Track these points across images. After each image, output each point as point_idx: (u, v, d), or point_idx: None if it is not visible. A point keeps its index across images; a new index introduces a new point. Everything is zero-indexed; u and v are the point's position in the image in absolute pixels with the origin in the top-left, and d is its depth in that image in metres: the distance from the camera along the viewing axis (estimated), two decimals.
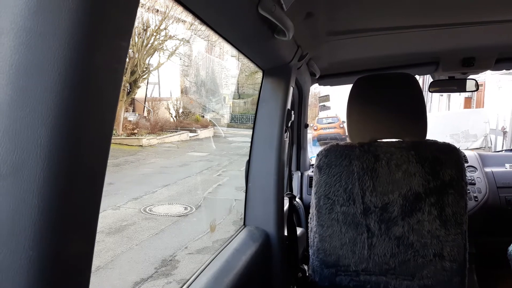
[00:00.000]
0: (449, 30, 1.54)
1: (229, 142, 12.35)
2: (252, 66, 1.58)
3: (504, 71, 2.36)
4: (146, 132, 10.41)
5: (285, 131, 1.45)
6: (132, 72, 9.54)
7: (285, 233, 1.54)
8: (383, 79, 1.53)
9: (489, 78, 10.84)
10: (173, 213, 5.71)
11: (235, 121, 14.82)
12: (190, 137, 11.48)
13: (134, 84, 9.88)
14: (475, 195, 2.29)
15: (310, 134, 16.21)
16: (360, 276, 1.49)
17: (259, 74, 1.50)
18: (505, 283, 2.40)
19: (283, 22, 1.00)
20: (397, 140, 1.50)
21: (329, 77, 2.33)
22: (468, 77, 2.24)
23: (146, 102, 11.64)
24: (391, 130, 1.50)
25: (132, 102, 11.14)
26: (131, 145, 9.50)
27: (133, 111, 11.38)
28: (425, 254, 1.42)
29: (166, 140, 10.70)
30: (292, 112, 1.54)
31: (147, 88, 11.46)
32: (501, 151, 3.17)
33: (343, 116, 16.32)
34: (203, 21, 0.89)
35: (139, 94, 11.02)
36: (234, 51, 1.25)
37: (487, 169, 2.40)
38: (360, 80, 1.54)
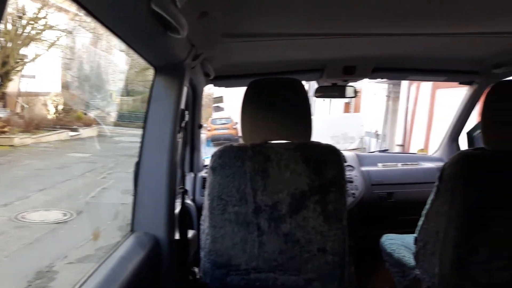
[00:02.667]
0: (333, 40, 1.66)
1: (115, 142, 11.65)
2: (143, 62, 1.50)
3: (378, 79, 2.63)
4: (19, 131, 9.29)
5: (179, 132, 1.42)
6: (3, 63, 8.48)
7: (177, 237, 1.49)
8: (274, 83, 1.59)
9: (365, 86, 12.06)
10: (50, 220, 5.20)
11: (123, 119, 14.03)
12: (70, 136, 10.55)
13: (5, 77, 8.79)
14: (353, 192, 2.51)
15: (204, 134, 16.20)
16: (251, 274, 1.52)
17: (150, 71, 1.44)
18: (379, 271, 2.68)
19: (177, 19, 0.97)
20: (286, 141, 1.56)
21: (223, 79, 2.34)
22: (348, 84, 2.45)
23: (20, 97, 10.41)
24: (281, 132, 1.55)
25: (3, 97, 9.88)
26: (0, 145, 8.40)
27: (4, 106, 10.08)
28: (310, 249, 1.50)
29: (43, 139, 9.68)
30: (186, 112, 1.50)
31: (20, 81, 10.25)
32: (375, 151, 3.53)
33: (236, 117, 16.67)
34: (90, 13, 0.82)
35: (12, 88, 9.82)
36: (123, 46, 1.17)
37: (363, 168, 2.65)
38: (253, 84, 1.57)
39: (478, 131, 2.58)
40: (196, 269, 1.65)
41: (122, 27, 1.00)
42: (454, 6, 1.24)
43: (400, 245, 2.05)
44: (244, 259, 1.51)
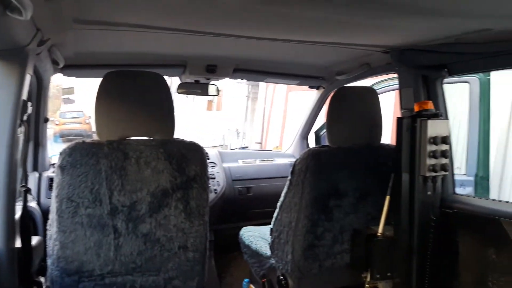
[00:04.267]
0: (195, 37, 1.66)
1: None
2: None
3: (239, 80, 2.73)
4: None
5: (20, 126, 1.24)
6: None
7: (18, 245, 1.31)
8: (133, 76, 1.50)
9: (226, 85, 12.43)
10: None
11: None
12: None
13: None
14: (215, 188, 2.56)
15: (51, 129, 14.61)
16: (106, 279, 1.43)
17: None
18: (237, 262, 2.79)
19: None
20: (147, 138, 1.50)
21: (75, 68, 2.14)
22: (210, 82, 2.48)
23: None
24: (141, 128, 1.49)
25: None
26: None
27: None
28: (171, 247, 1.47)
29: None
30: (29, 103, 1.32)
31: None
32: (236, 149, 3.67)
33: (89, 111, 15.46)
34: None
35: None
36: None
37: (225, 165, 2.73)
38: (109, 75, 1.46)
39: (324, 130, 2.90)
40: (43, 279, 1.47)
41: None
42: (302, 17, 1.35)
43: (257, 236, 2.17)
44: (98, 264, 1.41)
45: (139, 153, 1.44)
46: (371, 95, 1.84)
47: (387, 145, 1.85)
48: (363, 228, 1.74)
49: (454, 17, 1.26)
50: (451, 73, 1.74)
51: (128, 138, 1.48)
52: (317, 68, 2.45)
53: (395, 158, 1.64)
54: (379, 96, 1.87)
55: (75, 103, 19.57)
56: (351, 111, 1.78)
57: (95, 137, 1.48)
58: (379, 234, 1.66)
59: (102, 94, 1.44)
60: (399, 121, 1.61)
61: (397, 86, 1.96)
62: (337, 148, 1.76)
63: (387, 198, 1.66)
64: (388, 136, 2.33)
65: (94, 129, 1.49)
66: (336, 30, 1.55)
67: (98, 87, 1.45)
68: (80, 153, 1.39)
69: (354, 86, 1.92)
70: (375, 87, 2.83)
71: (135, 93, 1.46)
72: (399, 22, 1.36)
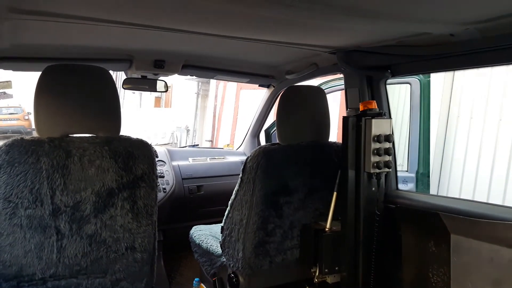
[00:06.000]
0: (142, 31, 1.60)
1: None
2: None
3: (189, 76, 2.68)
4: None
5: None
6: None
7: None
8: (76, 70, 1.43)
9: (176, 81, 12.22)
10: None
11: None
12: None
13: None
14: (164, 187, 2.51)
15: None
16: (48, 283, 1.36)
17: None
18: (188, 261, 2.76)
19: None
20: (91, 135, 1.43)
21: (12, 60, 2.00)
22: (158, 78, 2.42)
23: None
24: (85, 124, 1.42)
25: None
26: None
27: None
28: (118, 248, 1.43)
29: None
30: None
31: None
32: (186, 146, 3.62)
33: (28, 106, 14.56)
34: None
35: None
36: None
37: (174, 163, 2.68)
38: (50, 69, 1.38)
39: (274, 128, 2.93)
40: None
41: None
42: (252, 15, 1.36)
43: (208, 235, 2.15)
44: (39, 267, 1.34)
45: (82, 151, 1.38)
46: (319, 94, 1.88)
47: (334, 143, 1.90)
48: (311, 224, 1.78)
49: (395, 20, 1.32)
50: (394, 74, 1.82)
51: (70, 135, 1.41)
52: (267, 67, 2.47)
53: (341, 156, 1.70)
54: (327, 95, 1.92)
55: (12, 98, 18.37)
56: (300, 110, 1.81)
57: (35, 134, 1.40)
58: (327, 229, 1.71)
59: (42, 89, 1.36)
60: (345, 120, 1.66)
61: (343, 86, 2.02)
62: (286, 145, 1.78)
63: (334, 194, 1.71)
64: (335, 134, 2.40)
65: (34, 125, 1.40)
66: (284, 29, 1.57)
67: (37, 81, 1.36)
68: (18, 150, 1.31)
69: (303, 85, 1.95)
70: (323, 87, 2.90)
71: (77, 88, 1.39)
72: (344, 23, 1.40)
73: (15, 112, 15.87)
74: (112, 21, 1.46)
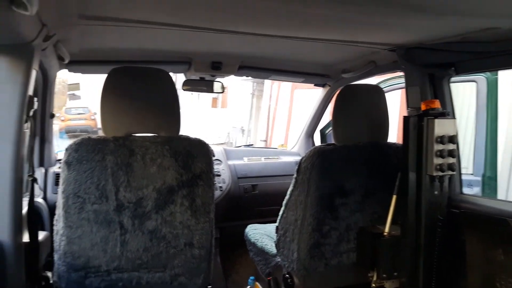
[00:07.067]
0: (200, 34, 1.65)
1: None
2: None
3: (244, 77, 2.72)
4: None
5: (26, 121, 1.24)
6: None
7: (25, 240, 1.32)
8: (138, 72, 1.50)
9: (231, 82, 12.43)
10: None
11: None
12: None
13: None
14: (220, 185, 2.56)
15: (57, 125, 14.68)
16: (112, 275, 1.43)
17: None
18: (243, 260, 2.79)
19: None
20: (152, 134, 1.50)
21: (81, 64, 2.14)
22: (215, 80, 2.47)
23: None
24: (147, 124, 1.49)
25: None
26: None
27: None
28: (177, 244, 1.47)
29: None
30: (35, 99, 1.32)
31: None
32: (241, 146, 3.67)
33: (95, 107, 15.51)
34: None
35: None
36: None
37: (230, 162, 2.73)
38: (115, 71, 1.46)
39: (330, 128, 2.89)
40: (50, 274, 1.48)
41: None
42: (308, 14, 1.35)
43: (263, 234, 2.17)
44: (104, 259, 1.42)
45: (144, 149, 1.44)
46: (377, 93, 1.83)
47: (394, 143, 1.84)
48: (369, 227, 1.73)
49: (460, 15, 1.25)
50: (458, 72, 1.72)
51: (133, 134, 1.48)
52: (323, 66, 2.44)
53: (401, 157, 1.63)
54: (386, 94, 1.86)
55: (80, 99, 19.63)
56: (357, 109, 1.77)
57: (101, 134, 1.48)
58: (385, 233, 1.65)
59: (108, 91, 1.44)
60: (406, 119, 1.60)
61: (403, 85, 1.95)
62: (343, 146, 1.75)
63: (394, 197, 1.65)
64: (394, 134, 2.32)
65: (99, 125, 1.49)
66: (342, 27, 1.54)
67: (103, 83, 1.45)
68: (86, 149, 1.40)
69: (361, 84, 1.90)
70: (382, 85, 2.81)
71: (140, 90, 1.46)
72: (405, 20, 1.35)
73: (83, 113, 16.95)
74: (173, 25, 1.51)
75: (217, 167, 2.59)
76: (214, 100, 15.62)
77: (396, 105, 5.03)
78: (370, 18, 1.34)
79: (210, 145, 1.58)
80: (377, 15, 1.30)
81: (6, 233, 1.17)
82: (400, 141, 1.66)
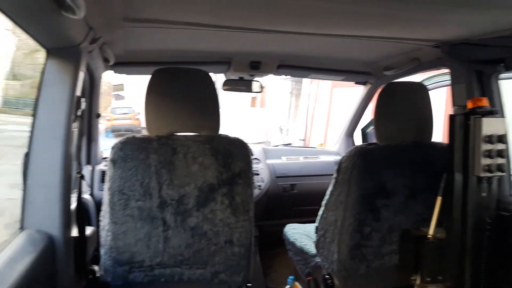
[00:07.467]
0: (240, 34, 1.67)
1: None
2: (32, 43, 1.35)
3: (283, 76, 2.72)
4: None
5: (74, 121, 1.30)
6: None
7: (74, 234, 1.38)
8: (180, 73, 1.54)
9: (270, 81, 12.43)
10: None
11: (9, 106, 12.56)
12: None
13: None
14: (259, 184, 2.57)
15: (103, 124, 15.27)
16: (155, 270, 1.48)
17: (42, 54, 1.30)
18: (282, 259, 2.79)
19: None
20: (194, 134, 1.53)
21: (125, 65, 2.22)
22: (254, 79, 2.49)
23: None
24: (188, 124, 1.52)
25: None
26: None
27: None
28: (217, 241, 1.50)
29: None
30: (83, 99, 1.39)
31: None
32: (279, 145, 3.67)
33: (138, 106, 16.01)
34: None
35: None
36: (9, 24, 1.03)
37: (269, 161, 2.73)
38: (158, 72, 1.51)
39: (371, 127, 2.82)
40: (96, 267, 1.55)
41: (7, 1, 0.89)
42: (349, 11, 1.32)
43: (302, 234, 2.15)
44: (148, 255, 1.46)
45: (186, 148, 1.48)
46: (421, 91, 1.77)
47: (438, 143, 1.77)
48: (412, 229, 1.68)
49: (510, 8, 1.18)
50: (509, 68, 1.63)
51: (176, 133, 1.52)
52: (364, 63, 2.39)
53: (447, 157, 1.57)
54: (430, 92, 1.79)
55: (125, 100, 20.32)
56: (400, 108, 1.72)
57: (144, 133, 1.53)
58: (429, 236, 1.60)
59: (151, 91, 1.48)
60: (452, 118, 1.54)
61: (448, 82, 1.87)
62: (385, 145, 1.71)
63: (439, 198, 1.59)
64: (439, 134, 2.24)
65: (143, 124, 1.54)
66: (384, 24, 1.50)
67: (147, 84, 1.49)
68: (131, 147, 1.45)
69: (404, 82, 1.85)
70: (426, 83, 2.71)
71: (182, 90, 1.50)
72: (451, 15, 1.30)
73: (127, 112, 17.54)
74: (213, 25, 1.54)
75: (255, 166, 2.60)
76: (253, 99, 15.69)
77: (441, 103, 4.85)
78: (414, 14, 1.30)
79: (249, 144, 1.60)
80: (422, 11, 1.26)
81: (57, 228, 1.23)
82: (446, 141, 1.60)
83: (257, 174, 2.59)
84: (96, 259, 1.55)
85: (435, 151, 1.73)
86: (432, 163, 1.70)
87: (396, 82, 1.87)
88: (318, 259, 1.89)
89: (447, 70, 1.91)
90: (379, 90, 1.84)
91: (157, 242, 1.46)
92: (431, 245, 1.59)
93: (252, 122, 13.69)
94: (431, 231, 1.60)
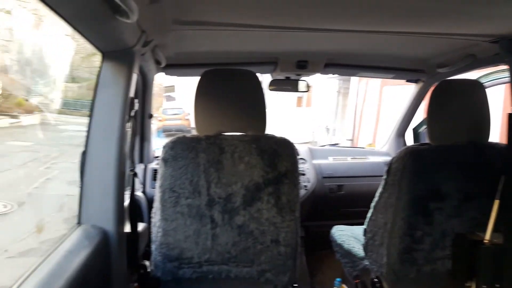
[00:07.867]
0: (286, 33, 1.67)
1: (60, 131, 11.00)
2: (89, 47, 1.43)
3: (330, 75, 2.68)
4: None
5: (128, 121, 1.36)
6: None
7: (126, 230, 1.45)
8: (228, 74, 1.57)
9: (316, 80, 12.32)
10: None
11: (68, 107, 13.32)
12: (10, 123, 9.86)
13: None
14: (305, 184, 2.56)
15: (155, 125, 15.81)
16: (203, 267, 1.51)
17: (97, 57, 1.37)
18: (329, 261, 2.76)
19: (126, 3, 0.93)
20: (240, 133, 1.55)
21: (175, 67, 2.29)
22: (300, 79, 2.47)
23: None
24: (235, 123, 1.55)
25: None
26: None
27: None
28: (264, 240, 1.51)
29: None
30: (136, 100, 1.45)
31: None
32: (326, 145, 3.62)
33: (188, 107, 16.42)
34: None
35: None
36: (68, 29, 1.10)
37: (315, 161, 2.71)
38: (207, 74, 1.54)
39: (424, 127, 2.72)
40: (147, 263, 1.61)
41: (67, 8, 0.95)
42: (400, 6, 1.28)
43: (349, 236, 2.12)
44: (196, 252, 1.50)
45: (233, 147, 1.50)
46: (477, 89, 1.68)
47: (496, 143, 1.67)
48: (467, 234, 1.60)
49: None
50: None
51: (223, 133, 1.55)
52: (416, 61, 2.30)
53: (505, 158, 1.48)
54: (487, 90, 1.70)
55: (175, 101, 20.93)
56: (455, 106, 1.64)
57: (194, 133, 1.58)
58: (486, 241, 1.52)
59: (201, 92, 1.52)
60: (510, 117, 1.45)
61: (507, 79, 1.76)
62: (438, 146, 1.64)
63: (496, 202, 1.50)
64: (496, 134, 2.11)
65: (192, 125, 1.59)
66: (438, 19, 1.44)
67: (196, 85, 1.54)
68: (181, 147, 1.49)
69: (459, 79, 1.76)
70: (482, 80, 2.58)
71: (230, 91, 1.53)
72: (510, 8, 1.22)
73: (178, 113, 18.04)
74: (261, 26, 1.55)
75: (301, 166, 2.58)
76: (299, 99, 15.60)
77: (499, 101, 4.58)
78: (471, 7, 1.24)
79: (295, 144, 1.60)
80: (479, 5, 1.20)
81: (111, 223, 1.30)
82: (504, 141, 1.51)
83: (303, 174, 2.58)
84: (147, 255, 1.61)
85: (492, 152, 1.64)
86: (489, 164, 1.61)
87: (451, 80, 1.78)
88: (366, 262, 1.85)
89: (505, 67, 1.81)
90: (432, 88, 1.77)
91: (205, 239, 1.49)
92: (488, 251, 1.50)
93: (298, 122, 13.62)
94: (487, 235, 1.51)
